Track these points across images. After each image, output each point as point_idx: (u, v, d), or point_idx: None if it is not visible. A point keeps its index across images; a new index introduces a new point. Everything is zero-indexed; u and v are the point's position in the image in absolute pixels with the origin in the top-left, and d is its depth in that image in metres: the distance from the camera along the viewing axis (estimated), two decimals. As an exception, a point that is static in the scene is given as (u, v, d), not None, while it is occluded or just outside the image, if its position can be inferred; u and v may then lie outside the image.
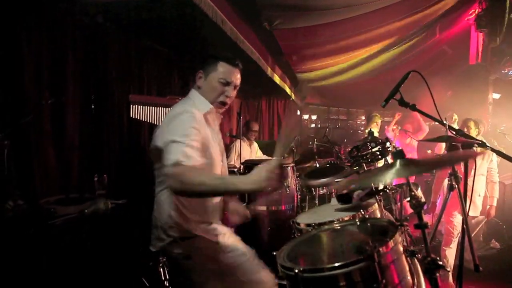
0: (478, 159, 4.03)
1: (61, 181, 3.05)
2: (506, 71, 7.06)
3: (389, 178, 1.33)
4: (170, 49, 4.60)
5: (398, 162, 1.35)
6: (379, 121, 6.15)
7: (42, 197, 2.56)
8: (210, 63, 2.06)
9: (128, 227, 3.41)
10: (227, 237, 2.06)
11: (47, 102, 2.75)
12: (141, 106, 3.32)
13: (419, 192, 3.42)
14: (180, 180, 1.66)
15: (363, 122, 11.07)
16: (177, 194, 1.82)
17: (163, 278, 3.33)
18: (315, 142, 5.31)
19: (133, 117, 3.24)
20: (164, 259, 3.43)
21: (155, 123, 3.44)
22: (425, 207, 4.72)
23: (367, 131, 5.74)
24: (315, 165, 5.02)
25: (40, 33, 2.94)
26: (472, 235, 4.17)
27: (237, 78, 2.08)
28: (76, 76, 3.29)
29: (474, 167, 3.61)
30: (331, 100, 10.23)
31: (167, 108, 3.46)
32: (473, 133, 4.06)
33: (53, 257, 2.47)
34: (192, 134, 1.80)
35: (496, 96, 7.49)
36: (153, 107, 3.39)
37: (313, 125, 10.76)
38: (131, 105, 3.21)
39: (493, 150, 1.86)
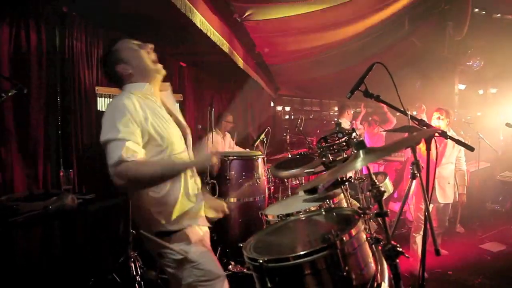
0: (448, 148, 4.15)
1: (25, 176, 2.95)
2: (471, 63, 7.30)
3: (353, 169, 1.36)
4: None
5: (360, 152, 1.38)
6: (351, 111, 6.25)
7: (4, 194, 2.47)
8: (116, 51, 1.97)
9: (97, 222, 3.36)
10: (195, 250, 1.92)
11: (8, 95, 2.64)
12: (109, 99, 3.25)
13: (388, 181, 3.49)
14: (125, 177, 1.69)
15: (336, 113, 11.24)
16: (125, 189, 1.85)
17: (134, 273, 3.32)
18: (288, 134, 5.36)
19: (101, 109, 3.17)
20: (135, 254, 3.42)
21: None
22: (395, 195, 4.81)
23: (340, 121, 5.85)
24: (288, 156, 5.07)
25: (1, 21, 2.82)
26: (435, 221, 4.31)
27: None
28: (41, 67, 3.18)
29: (436, 154, 3.73)
30: (304, 91, 10.33)
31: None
32: (445, 122, 4.18)
33: (17, 255, 2.41)
34: (129, 126, 1.75)
35: (462, 87, 7.75)
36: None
37: (287, 117, 10.84)
38: (98, 98, 3.14)
39: (452, 139, 1.93)
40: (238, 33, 4.59)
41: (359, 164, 1.34)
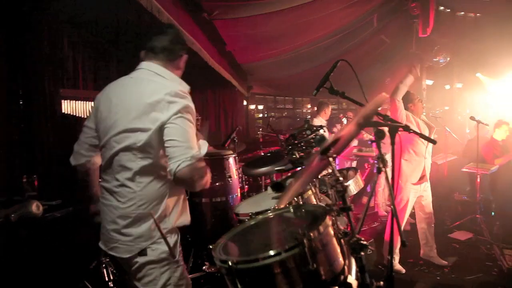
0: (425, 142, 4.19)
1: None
2: (437, 59, 7.51)
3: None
4: (106, 40, 4.40)
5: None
6: (328, 109, 6.15)
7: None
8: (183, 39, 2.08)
9: (65, 228, 3.26)
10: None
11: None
12: (75, 101, 3.16)
13: (358, 177, 3.55)
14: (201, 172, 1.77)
15: (309, 110, 11.34)
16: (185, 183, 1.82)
17: (106, 279, 3.24)
18: (261, 132, 5.36)
19: (66, 112, 3.08)
20: (107, 260, 3.34)
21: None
22: (368, 189, 4.83)
23: (315, 119, 5.85)
24: (261, 154, 5.08)
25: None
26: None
27: None
28: (1, 69, 3.05)
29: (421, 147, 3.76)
30: (277, 89, 10.36)
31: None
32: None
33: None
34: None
35: (430, 82, 7.97)
36: (88, 102, 3.24)
37: (260, 115, 10.85)
38: (63, 100, 3.04)
39: (415, 133, 1.98)
40: (208, 32, 4.56)
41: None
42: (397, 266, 3.96)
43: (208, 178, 1.84)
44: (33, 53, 3.38)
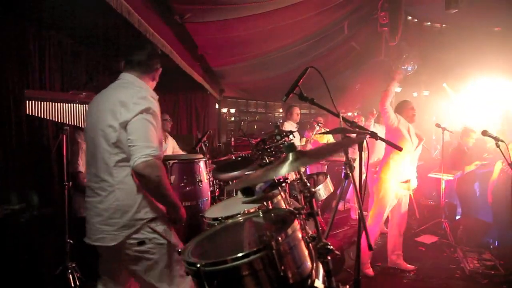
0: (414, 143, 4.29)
1: None
2: (405, 67, 7.73)
3: (283, 171, 1.39)
4: (75, 40, 4.29)
5: (290, 155, 1.42)
6: (295, 110, 6.09)
7: None
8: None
9: (29, 233, 3.16)
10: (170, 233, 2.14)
11: None
12: (40, 102, 3.06)
13: (329, 181, 3.62)
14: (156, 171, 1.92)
15: (281, 115, 11.42)
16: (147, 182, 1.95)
17: (72, 285, 3.15)
18: (233, 136, 5.35)
19: (31, 114, 2.97)
20: (74, 265, 3.25)
21: (58, 120, 3.21)
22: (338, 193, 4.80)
23: (286, 123, 5.88)
24: (233, 158, 5.07)
25: None
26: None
27: None
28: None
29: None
30: (249, 93, 10.38)
31: (71, 104, 3.23)
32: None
33: None
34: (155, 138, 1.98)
35: (398, 89, 8.19)
36: (55, 103, 3.14)
37: (232, 119, 10.81)
38: (28, 101, 2.94)
39: (381, 139, 2.04)
40: (180, 35, 4.52)
41: (284, 169, 1.37)
42: (366, 269, 4.02)
43: (165, 178, 2.02)
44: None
